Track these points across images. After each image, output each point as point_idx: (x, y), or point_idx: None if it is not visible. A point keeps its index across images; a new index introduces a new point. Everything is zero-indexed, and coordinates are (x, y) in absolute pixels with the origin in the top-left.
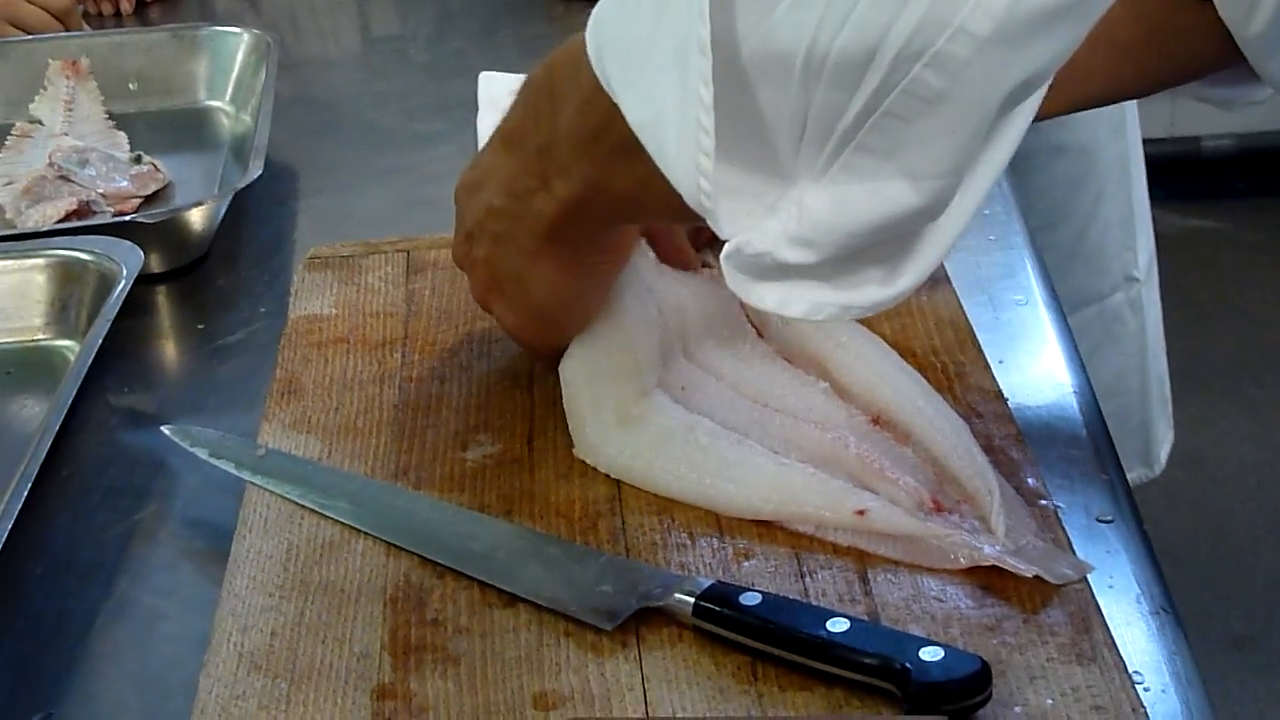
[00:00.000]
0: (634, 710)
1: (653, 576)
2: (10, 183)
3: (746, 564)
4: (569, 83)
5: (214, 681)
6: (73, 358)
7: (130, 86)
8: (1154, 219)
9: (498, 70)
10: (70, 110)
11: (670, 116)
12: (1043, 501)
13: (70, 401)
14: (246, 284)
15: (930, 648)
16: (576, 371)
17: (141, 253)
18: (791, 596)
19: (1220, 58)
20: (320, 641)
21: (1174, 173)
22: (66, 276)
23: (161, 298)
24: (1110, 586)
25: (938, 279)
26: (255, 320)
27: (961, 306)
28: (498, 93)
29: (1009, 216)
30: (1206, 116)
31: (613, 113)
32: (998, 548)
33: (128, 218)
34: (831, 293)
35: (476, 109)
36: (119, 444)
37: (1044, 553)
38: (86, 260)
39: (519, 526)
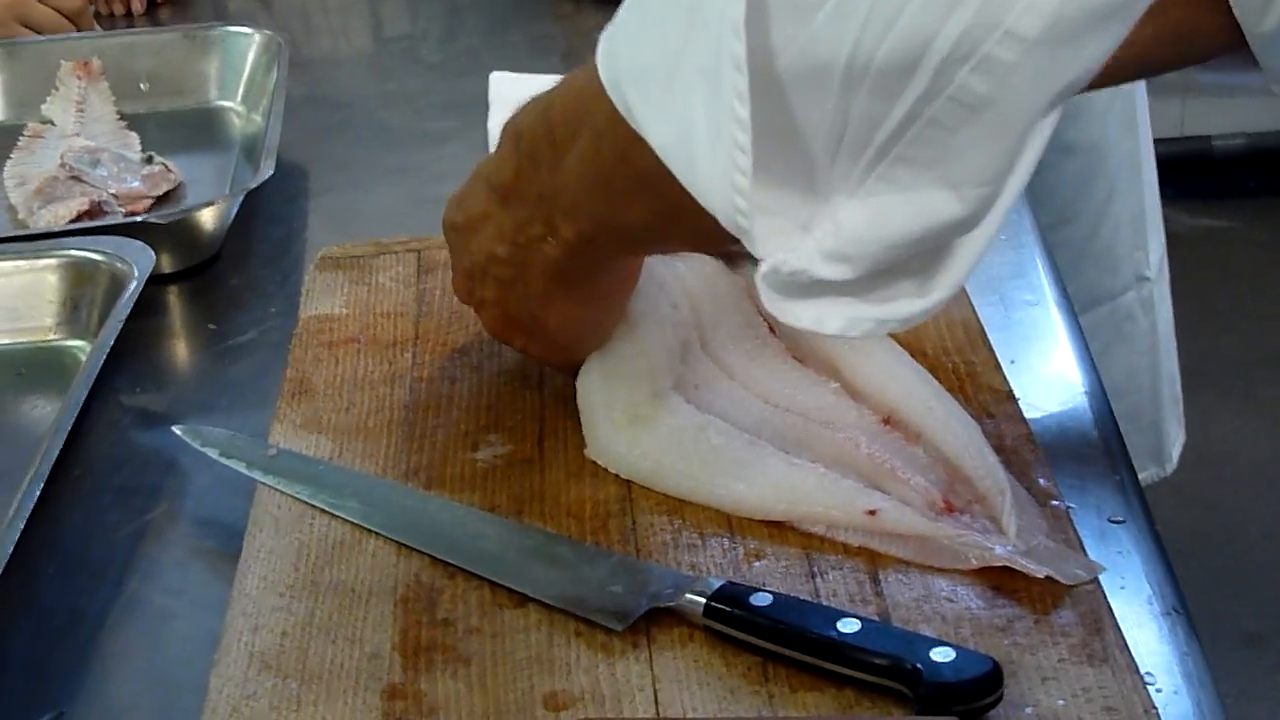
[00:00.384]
0: (645, 711)
1: (663, 577)
2: (22, 183)
3: (757, 564)
4: (576, 120)
5: (225, 681)
6: (84, 358)
7: (142, 87)
8: (1165, 218)
9: (508, 69)
10: (82, 111)
11: (700, 136)
12: (1054, 502)
13: (82, 401)
14: (258, 284)
15: (941, 648)
16: (591, 373)
17: (153, 253)
18: (802, 597)
19: (1223, 48)
20: (331, 641)
21: (1185, 172)
22: (78, 277)
23: (173, 298)
24: (1122, 587)
25: None
26: (266, 320)
27: (972, 306)
28: (508, 92)
29: (1020, 215)
30: (1217, 116)
31: (631, 143)
32: (1009, 548)
33: (139, 218)
34: (866, 308)
35: (487, 108)
36: (130, 444)
37: (1055, 553)
38: (98, 260)
39: (530, 527)
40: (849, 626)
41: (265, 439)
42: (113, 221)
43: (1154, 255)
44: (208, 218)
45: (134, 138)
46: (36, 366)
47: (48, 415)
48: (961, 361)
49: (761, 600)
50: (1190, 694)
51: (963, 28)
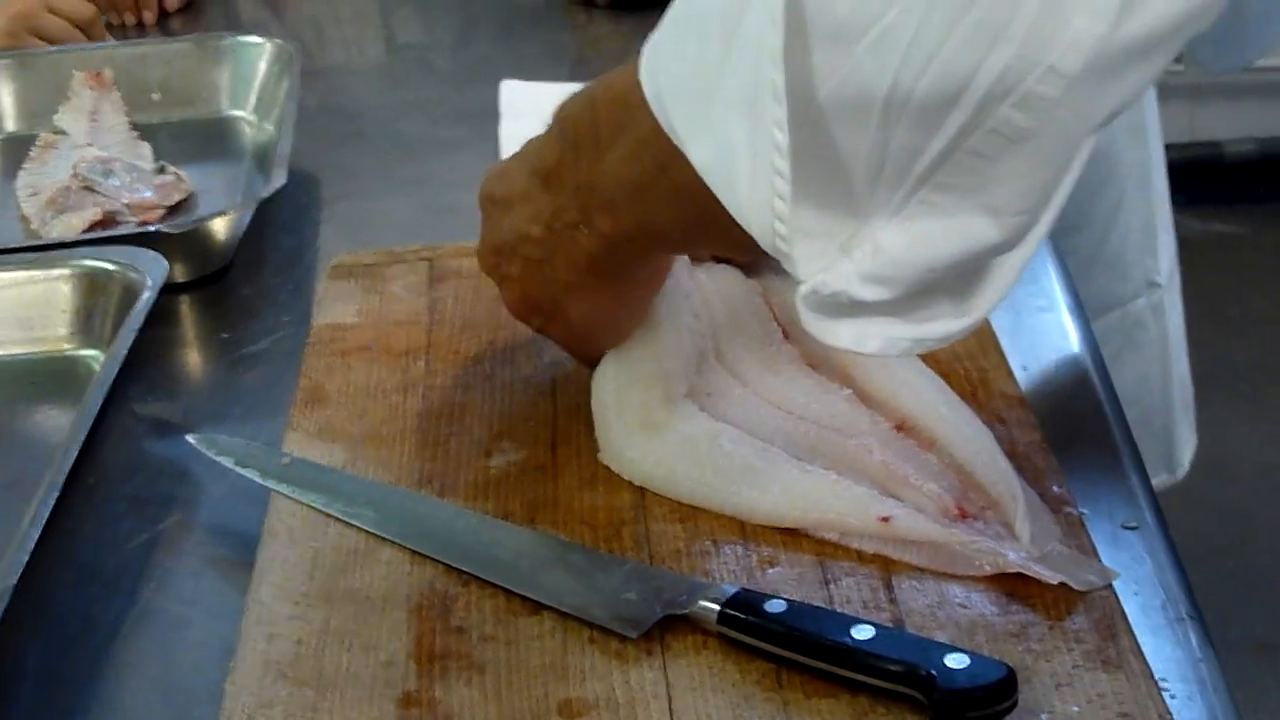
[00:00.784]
0: (659, 717)
1: (677, 584)
2: (35, 193)
3: (771, 571)
4: (618, 123)
5: (240, 690)
6: (98, 367)
7: (154, 97)
8: (1175, 224)
9: (520, 78)
10: (94, 121)
11: (741, 160)
12: (1067, 508)
13: (96, 411)
14: (270, 293)
15: (955, 654)
16: (606, 373)
17: (166, 262)
18: (816, 603)
19: None
20: (346, 649)
21: (1195, 177)
22: (91, 286)
23: (186, 307)
24: (1135, 593)
25: None
26: (279, 329)
27: None
28: (520, 100)
29: None
30: (1227, 121)
31: (672, 156)
32: (1022, 554)
33: (152, 228)
34: (905, 327)
35: (499, 116)
36: (144, 453)
37: (1069, 559)
38: (111, 270)
39: (543, 534)
40: (863, 633)
41: (279, 447)
42: (125, 231)
43: (1165, 261)
44: (220, 227)
45: (146, 147)
46: (50, 376)
47: (61, 425)
48: (974, 368)
49: (775, 607)
50: (1204, 700)
51: (1004, 64)
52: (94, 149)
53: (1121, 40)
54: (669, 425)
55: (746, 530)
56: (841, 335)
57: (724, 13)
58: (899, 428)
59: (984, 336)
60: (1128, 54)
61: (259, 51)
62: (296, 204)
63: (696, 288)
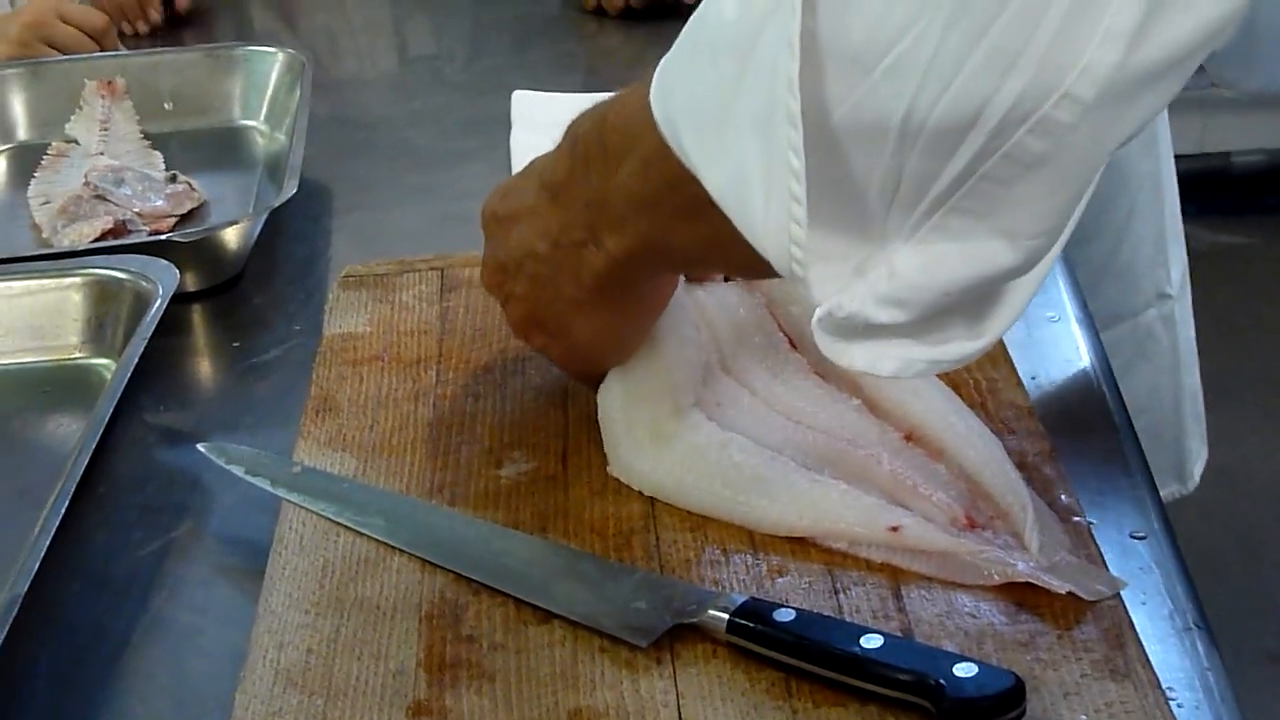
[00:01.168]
0: None
1: (687, 593)
2: (47, 202)
3: (780, 580)
4: (627, 142)
5: (250, 698)
6: (109, 376)
7: (165, 106)
8: (1185, 235)
9: (532, 88)
10: (106, 130)
11: (755, 184)
12: (1076, 518)
13: (107, 419)
14: (281, 302)
15: (964, 664)
16: (612, 390)
17: (177, 271)
18: (825, 613)
19: None
20: (356, 658)
21: (1205, 188)
22: (102, 295)
23: (197, 316)
24: (1143, 603)
25: None
26: (290, 338)
27: None
28: (531, 110)
29: None
30: (1237, 132)
31: (682, 176)
32: (1031, 564)
33: (163, 236)
34: (920, 349)
35: (510, 127)
36: (155, 461)
37: (1077, 569)
38: (122, 279)
39: (553, 543)
40: (872, 642)
41: (290, 456)
42: (137, 240)
43: (1175, 272)
44: (232, 236)
45: (158, 156)
46: (61, 385)
47: (73, 433)
48: (983, 378)
49: (785, 616)
50: (1211, 710)
51: (1020, 90)
52: (106, 158)
53: (1136, 66)
54: (678, 435)
55: (756, 539)
56: (857, 358)
57: (737, 37)
58: (908, 437)
59: (993, 347)
60: (1143, 79)
61: (271, 61)
62: (308, 213)
63: (694, 302)
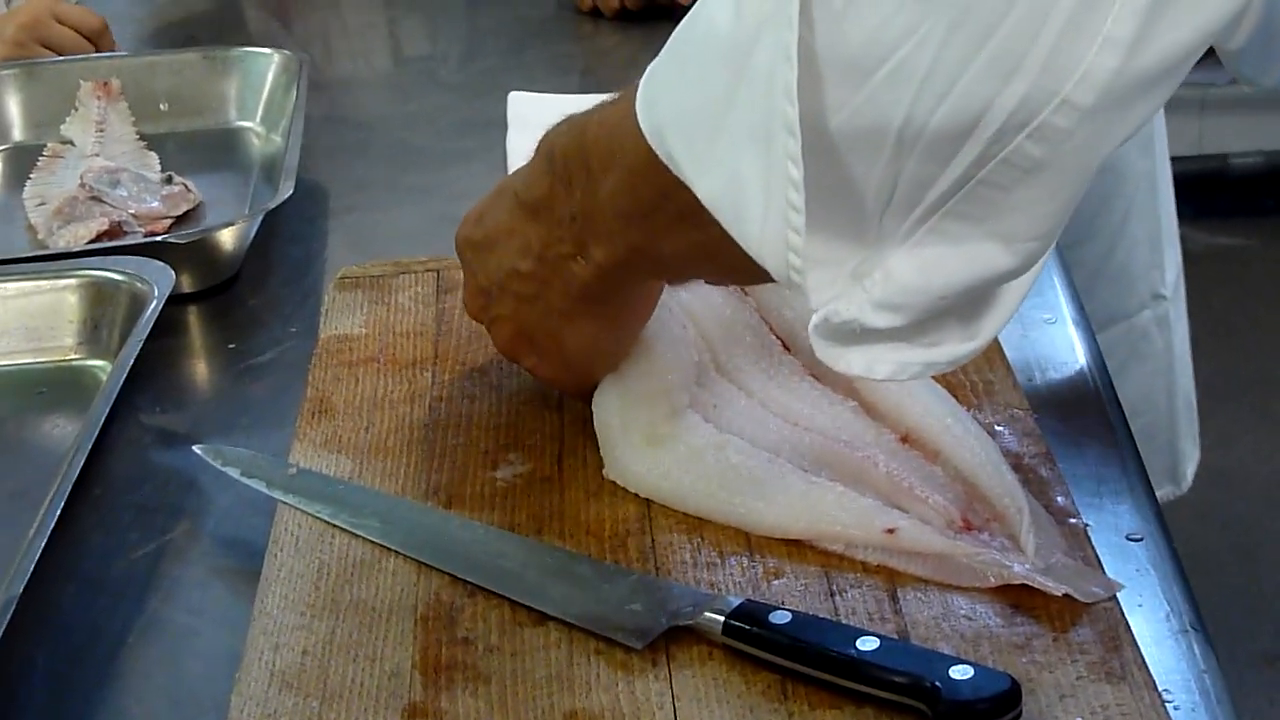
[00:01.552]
0: None
1: (682, 595)
2: (42, 203)
3: (776, 582)
4: (612, 154)
5: (246, 700)
6: (104, 377)
7: (161, 107)
8: (1181, 236)
9: (527, 89)
10: (101, 131)
11: (751, 191)
12: (1072, 520)
13: (102, 421)
14: (277, 303)
15: (960, 666)
16: (608, 393)
17: (173, 273)
18: (821, 615)
19: None
20: (352, 660)
21: (1201, 190)
22: (98, 296)
23: (193, 317)
24: (1139, 605)
25: None
26: (286, 340)
27: None
28: (527, 111)
29: None
30: (1234, 134)
31: (672, 187)
32: (1027, 566)
33: (159, 238)
34: (915, 352)
35: (506, 128)
36: (151, 463)
37: (1073, 571)
38: (118, 280)
39: (549, 545)
40: (868, 644)
41: (285, 458)
42: (132, 241)
43: (1170, 274)
44: (227, 238)
45: (153, 158)
46: (57, 386)
47: (68, 434)
48: (979, 380)
49: (780, 618)
50: (1207, 711)
51: (1019, 97)
52: (101, 159)
53: (1134, 72)
54: (674, 438)
55: (752, 541)
56: (853, 362)
57: (731, 48)
58: (904, 439)
59: (989, 348)
60: (1140, 85)
61: (267, 62)
62: (304, 215)
63: (679, 305)
